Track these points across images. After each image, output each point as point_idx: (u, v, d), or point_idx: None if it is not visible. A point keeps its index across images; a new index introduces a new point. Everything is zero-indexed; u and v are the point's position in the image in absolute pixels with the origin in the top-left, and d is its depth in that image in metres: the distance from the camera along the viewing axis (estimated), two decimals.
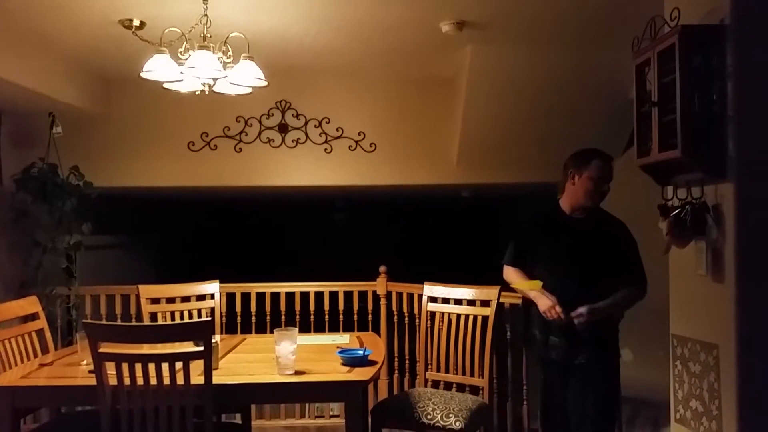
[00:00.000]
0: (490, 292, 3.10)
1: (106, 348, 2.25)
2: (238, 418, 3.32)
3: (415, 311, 4.01)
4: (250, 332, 4.02)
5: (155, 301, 3.44)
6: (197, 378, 2.27)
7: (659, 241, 2.31)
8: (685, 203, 2.23)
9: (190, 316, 3.45)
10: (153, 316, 3.38)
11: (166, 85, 2.85)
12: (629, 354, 3.79)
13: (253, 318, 4.18)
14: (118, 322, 3.62)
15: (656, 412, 3.93)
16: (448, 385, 3.27)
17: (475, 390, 3.13)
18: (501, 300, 3.12)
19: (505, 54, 3.74)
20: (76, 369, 2.58)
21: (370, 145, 4.55)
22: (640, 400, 3.99)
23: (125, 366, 2.23)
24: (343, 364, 2.61)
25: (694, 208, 2.18)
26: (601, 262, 2.61)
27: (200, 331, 2.31)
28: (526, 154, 4.43)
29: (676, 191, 2.34)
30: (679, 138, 2.08)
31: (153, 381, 2.24)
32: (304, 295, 4.22)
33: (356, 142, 4.55)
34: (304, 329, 3.74)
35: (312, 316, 4.15)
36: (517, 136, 4.31)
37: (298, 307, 4.16)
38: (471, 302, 3.16)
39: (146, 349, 2.43)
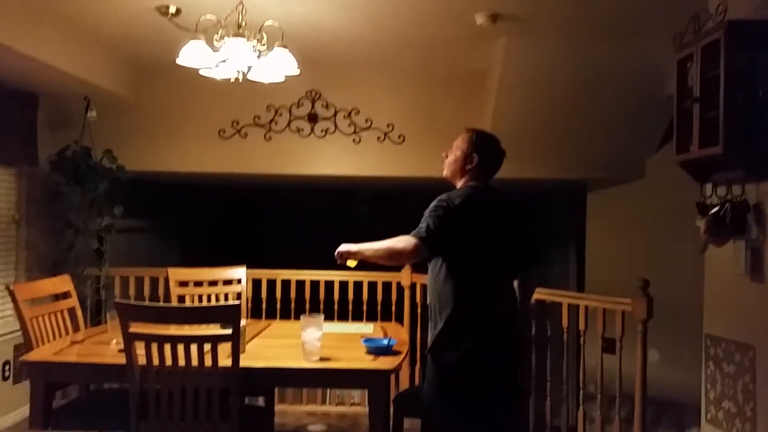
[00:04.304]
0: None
1: (136, 328, 2.28)
2: (261, 402, 3.36)
3: None
4: (275, 318, 4.05)
5: (183, 284, 3.49)
6: (225, 360, 2.29)
7: (696, 240, 2.26)
8: (724, 201, 2.18)
9: (217, 300, 3.49)
10: (181, 299, 3.42)
11: (201, 72, 2.86)
12: (656, 355, 3.75)
13: (278, 304, 4.22)
14: (148, 303, 3.68)
15: (681, 412, 3.87)
16: None
17: None
18: None
19: (538, 47, 3.68)
20: (106, 347, 2.63)
21: (399, 137, 4.53)
22: (665, 401, 3.93)
23: (154, 346, 2.26)
24: (368, 353, 2.62)
25: (734, 206, 2.14)
26: None
27: (229, 315, 2.34)
28: (558, 149, 4.38)
29: (715, 189, 2.29)
30: (721, 135, 2.03)
31: (181, 362, 2.26)
32: (329, 284, 4.24)
33: (385, 133, 4.54)
34: (328, 317, 3.73)
35: (336, 305, 4.17)
36: (548, 131, 4.25)
37: (322, 296, 4.19)
38: None
39: (174, 330, 2.46)
